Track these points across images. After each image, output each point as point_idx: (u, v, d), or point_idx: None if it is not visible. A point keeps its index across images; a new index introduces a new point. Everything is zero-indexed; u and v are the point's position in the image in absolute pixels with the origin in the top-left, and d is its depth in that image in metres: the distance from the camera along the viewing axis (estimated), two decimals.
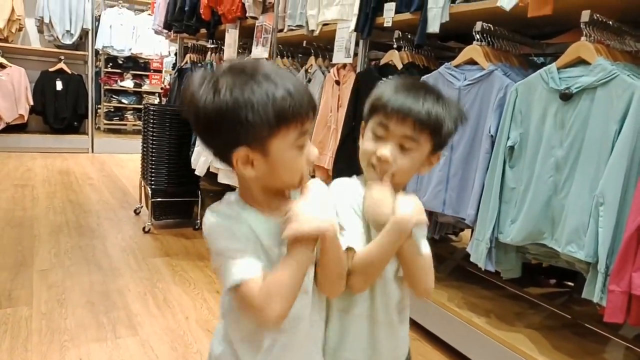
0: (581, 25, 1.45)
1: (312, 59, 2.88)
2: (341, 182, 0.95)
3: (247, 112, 0.67)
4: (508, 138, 1.61)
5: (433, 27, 1.93)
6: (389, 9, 2.18)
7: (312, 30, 2.67)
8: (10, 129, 5.35)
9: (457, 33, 2.30)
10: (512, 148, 1.60)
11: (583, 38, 1.45)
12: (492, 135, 1.67)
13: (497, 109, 1.67)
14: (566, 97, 1.45)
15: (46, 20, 5.47)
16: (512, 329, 1.71)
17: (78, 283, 2.22)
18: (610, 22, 1.47)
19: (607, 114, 1.35)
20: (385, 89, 0.87)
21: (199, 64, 3.61)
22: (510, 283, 2.11)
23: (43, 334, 1.78)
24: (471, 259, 1.73)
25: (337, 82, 2.56)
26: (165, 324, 1.93)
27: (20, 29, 5.47)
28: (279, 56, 3.18)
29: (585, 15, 1.43)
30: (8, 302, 1.99)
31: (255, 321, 0.75)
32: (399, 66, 2.19)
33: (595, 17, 1.43)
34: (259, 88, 0.68)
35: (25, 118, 5.44)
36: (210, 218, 0.76)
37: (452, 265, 2.37)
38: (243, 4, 2.87)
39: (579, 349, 1.63)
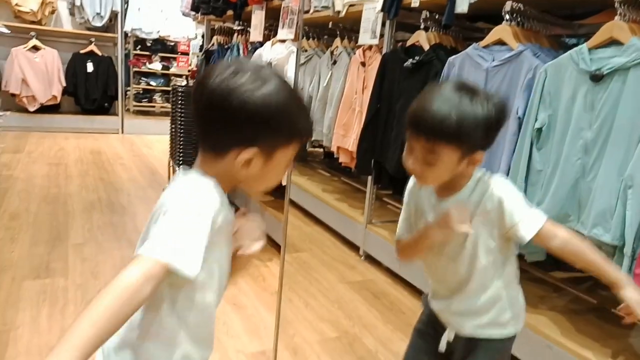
0: (615, 4, 1.42)
1: (337, 41, 2.88)
2: None
3: (276, 117, 0.69)
4: (536, 120, 1.59)
5: (462, 7, 1.91)
6: None
7: (338, 11, 2.67)
8: (44, 109, 5.51)
9: (486, 13, 2.26)
10: (539, 130, 1.59)
11: (617, 17, 1.42)
12: (519, 117, 1.66)
13: (525, 90, 1.66)
14: (597, 78, 1.43)
15: (77, 3, 5.57)
16: (536, 312, 1.72)
17: (110, 257, 2.31)
18: None
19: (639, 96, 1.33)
20: (413, 104, 0.89)
21: (226, 46, 3.64)
22: (535, 267, 2.10)
23: (78, 303, 1.87)
24: None
25: (363, 64, 2.56)
26: None
27: (52, 12, 5.59)
28: (304, 37, 3.19)
29: None
30: (46, 273, 2.09)
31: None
32: (426, 47, 2.18)
33: None
34: (288, 99, 0.70)
35: (58, 99, 5.59)
36: (199, 190, 0.70)
37: None
38: None
39: (603, 332, 1.63)
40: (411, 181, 1.04)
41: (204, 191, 0.69)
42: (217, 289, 0.75)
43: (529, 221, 0.90)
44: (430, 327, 1.07)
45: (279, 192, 1.52)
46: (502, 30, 1.77)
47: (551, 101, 1.56)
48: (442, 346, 1.02)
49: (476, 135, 0.85)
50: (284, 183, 1.54)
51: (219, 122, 0.70)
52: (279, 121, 0.69)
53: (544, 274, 2.09)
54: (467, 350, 1.00)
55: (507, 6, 1.76)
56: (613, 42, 1.43)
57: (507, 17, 1.77)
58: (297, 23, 3.02)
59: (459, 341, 1.01)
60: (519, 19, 1.79)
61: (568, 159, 1.50)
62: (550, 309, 1.75)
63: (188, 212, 0.65)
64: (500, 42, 1.79)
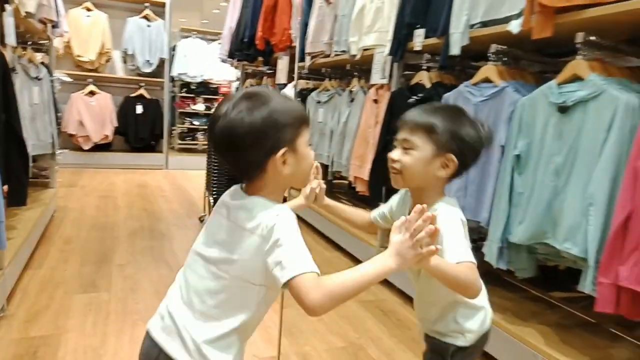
0: (577, 46, 1.61)
1: (355, 81, 3.16)
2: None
3: (281, 118, 0.86)
4: (515, 147, 1.78)
5: (454, 50, 2.14)
6: (419, 34, 2.42)
7: (354, 55, 2.95)
8: (97, 148, 6.06)
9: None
10: (518, 157, 1.77)
11: (578, 57, 1.62)
12: (502, 146, 1.85)
13: (507, 121, 1.85)
14: (563, 109, 1.61)
15: (130, 52, 6.18)
16: (525, 325, 1.85)
17: (148, 276, 2.60)
18: (605, 42, 1.62)
19: (597, 124, 1.51)
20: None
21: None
22: (533, 286, 2.23)
23: (119, 314, 2.14)
24: (485, 258, 1.89)
25: (375, 101, 2.82)
26: None
27: (108, 60, 6.21)
28: (327, 79, 3.49)
29: (579, 37, 1.60)
30: (92, 288, 2.40)
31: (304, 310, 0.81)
32: (427, 85, 2.41)
33: (590, 39, 1.59)
34: (279, 102, 0.90)
35: (110, 138, 6.13)
36: (283, 214, 0.86)
37: (481, 271, 2.50)
38: (291, 35, 3.22)
39: (587, 343, 1.74)
40: (398, 197, 1.26)
41: (289, 217, 0.86)
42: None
43: (452, 254, 0.97)
44: None
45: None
46: (488, 70, 1.99)
47: (528, 131, 1.75)
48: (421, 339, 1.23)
49: (443, 131, 1.04)
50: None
51: (245, 154, 0.85)
52: (285, 121, 0.87)
53: (542, 292, 2.20)
54: (428, 345, 1.20)
55: (492, 48, 1.98)
56: (577, 78, 1.62)
57: (492, 57, 1.99)
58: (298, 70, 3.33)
59: (426, 338, 1.21)
60: (504, 59, 2.00)
61: (542, 182, 1.67)
62: (540, 323, 1.88)
63: (294, 234, 0.84)
64: (487, 80, 2.00)
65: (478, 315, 1.14)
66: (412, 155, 1.06)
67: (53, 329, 1.96)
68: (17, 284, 2.33)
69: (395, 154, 1.09)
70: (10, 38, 1.99)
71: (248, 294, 0.89)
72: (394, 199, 1.28)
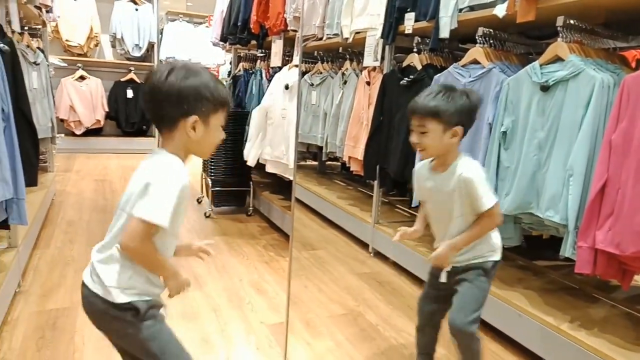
0: (558, 28, 1.74)
1: (347, 63, 3.25)
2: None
3: (204, 92, 1.03)
4: (502, 124, 1.91)
5: (444, 33, 2.25)
6: (409, 18, 2.52)
7: (346, 38, 3.04)
8: (89, 132, 6.09)
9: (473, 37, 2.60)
10: (505, 133, 1.90)
11: (559, 39, 1.74)
12: (490, 124, 1.98)
13: (494, 100, 1.98)
14: (545, 88, 1.74)
15: (118, 36, 6.18)
16: (511, 289, 2.01)
17: None
18: (584, 25, 1.75)
19: (576, 102, 1.64)
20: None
21: (250, 71, 4.07)
22: (519, 255, 2.39)
23: None
24: None
25: (368, 83, 2.92)
26: (223, 284, 2.37)
27: (96, 45, 6.20)
28: (319, 61, 3.58)
29: (559, 20, 1.72)
30: None
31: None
32: (419, 67, 2.52)
33: (569, 22, 1.72)
34: (210, 81, 1.04)
35: (102, 123, 6.16)
36: (172, 166, 1.03)
37: None
38: (286, 19, 3.29)
39: (567, 305, 1.90)
40: (416, 167, 1.54)
41: (176, 168, 1.02)
42: (174, 234, 1.10)
43: (486, 202, 1.35)
44: (432, 277, 1.56)
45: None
46: (476, 51, 2.11)
47: (513, 109, 1.88)
48: (443, 277, 1.47)
49: (448, 112, 1.32)
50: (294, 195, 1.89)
51: (166, 107, 1.02)
52: (206, 96, 1.03)
53: (528, 261, 2.37)
54: (462, 274, 1.45)
55: (480, 31, 2.10)
56: (558, 59, 1.75)
57: (480, 40, 2.10)
58: (300, 50, 3.41)
59: (454, 271, 1.46)
60: (490, 42, 2.13)
61: (527, 156, 1.81)
62: (525, 287, 2.04)
63: (165, 184, 0.99)
64: (475, 62, 2.13)
65: (496, 232, 1.48)
66: (428, 136, 1.36)
67: (69, 303, 2.08)
68: (28, 263, 2.43)
69: (414, 138, 1.39)
70: (15, 24, 2.05)
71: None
72: (415, 177, 1.54)
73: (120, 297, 1.04)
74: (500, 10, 1.92)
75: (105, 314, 1.06)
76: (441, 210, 1.46)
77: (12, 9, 2.03)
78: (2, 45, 1.80)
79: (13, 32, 2.05)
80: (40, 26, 3.47)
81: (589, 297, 2.04)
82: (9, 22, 2.05)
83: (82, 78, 6.01)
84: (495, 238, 1.48)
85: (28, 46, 2.99)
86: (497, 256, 1.47)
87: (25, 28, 3.08)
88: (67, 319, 1.93)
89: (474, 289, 1.44)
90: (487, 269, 1.45)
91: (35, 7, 3.03)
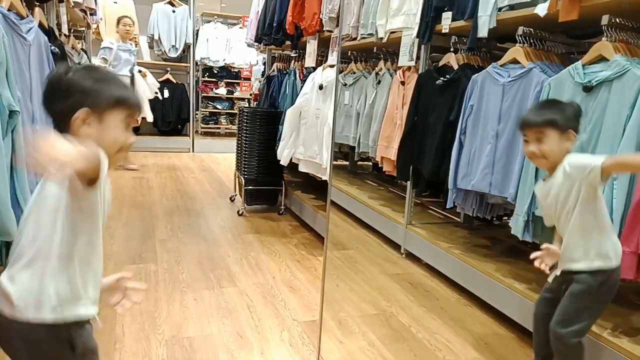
0: (603, 27, 1.70)
1: (381, 63, 3.25)
2: None
3: (94, 87, 0.98)
4: None
5: (482, 32, 2.23)
6: (447, 17, 2.50)
7: (381, 38, 3.04)
8: None
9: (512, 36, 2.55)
10: None
11: (604, 38, 1.70)
12: None
13: (534, 100, 1.94)
14: (588, 89, 1.70)
15: (156, 37, 6.33)
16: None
17: (189, 250, 2.77)
18: (630, 24, 1.70)
19: (621, 103, 1.60)
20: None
21: (284, 71, 4.11)
22: None
23: (167, 282, 2.32)
24: (512, 232, 2.00)
25: (402, 83, 2.91)
26: (257, 280, 2.41)
27: (135, 46, 6.36)
28: (353, 61, 3.59)
29: (605, 19, 1.68)
30: (140, 260, 2.58)
31: None
32: (455, 67, 2.50)
33: (615, 20, 1.67)
34: (106, 79, 1.01)
35: (139, 122, 6.31)
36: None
37: (506, 245, 2.62)
38: (321, 20, 3.31)
39: (607, 312, 1.85)
40: (535, 190, 1.64)
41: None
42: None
43: (595, 161, 1.33)
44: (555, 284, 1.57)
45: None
46: (515, 51, 2.07)
47: None
48: (550, 278, 1.55)
49: (560, 119, 1.41)
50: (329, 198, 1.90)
51: (56, 103, 0.98)
52: (96, 91, 0.98)
53: None
54: (571, 283, 1.48)
55: (520, 30, 2.06)
56: (602, 59, 1.70)
57: (520, 39, 2.07)
58: (339, 50, 3.42)
59: (564, 278, 1.50)
60: (531, 41, 2.09)
61: None
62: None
63: None
64: (515, 61, 2.09)
65: (611, 243, 1.47)
66: (547, 143, 1.43)
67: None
68: None
69: (533, 147, 1.45)
70: (65, 27, 2.14)
71: None
72: (538, 198, 1.61)
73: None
74: (541, 9, 1.88)
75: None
76: (562, 208, 1.46)
77: (61, 13, 2.12)
78: (53, 48, 1.89)
79: (60, 34, 2.14)
80: (84, 28, 3.60)
81: (630, 303, 1.98)
82: (59, 25, 2.14)
83: None
84: (606, 248, 1.44)
85: (73, 48, 3.11)
86: (607, 267, 1.44)
87: (72, 30, 3.20)
88: (109, 311, 1.97)
89: (577, 302, 1.46)
90: (595, 281, 1.44)
91: (81, 10, 3.14)
